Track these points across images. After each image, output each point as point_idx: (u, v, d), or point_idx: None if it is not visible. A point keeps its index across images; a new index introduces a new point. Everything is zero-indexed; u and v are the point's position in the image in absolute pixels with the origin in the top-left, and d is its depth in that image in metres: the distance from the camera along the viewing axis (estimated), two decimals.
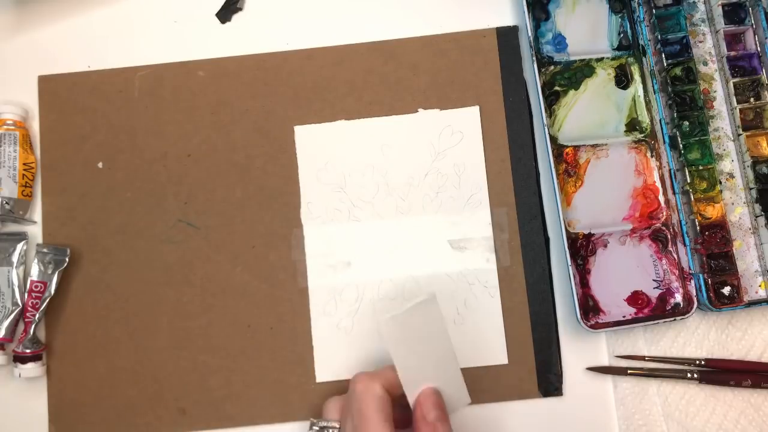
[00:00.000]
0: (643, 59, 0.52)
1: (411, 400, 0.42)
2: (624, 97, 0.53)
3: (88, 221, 0.52)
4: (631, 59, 0.53)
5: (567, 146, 0.52)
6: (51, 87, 0.53)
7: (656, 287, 0.50)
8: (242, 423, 0.50)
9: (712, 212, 0.50)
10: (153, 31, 0.54)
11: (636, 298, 0.50)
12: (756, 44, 0.52)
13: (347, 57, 0.53)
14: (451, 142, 0.52)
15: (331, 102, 0.53)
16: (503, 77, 0.53)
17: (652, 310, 0.50)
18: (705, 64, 0.53)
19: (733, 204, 0.51)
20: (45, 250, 0.50)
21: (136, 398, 0.50)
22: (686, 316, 0.49)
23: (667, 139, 0.51)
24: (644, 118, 0.52)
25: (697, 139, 0.51)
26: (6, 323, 0.49)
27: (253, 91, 0.53)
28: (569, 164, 0.52)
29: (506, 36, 0.53)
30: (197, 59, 0.54)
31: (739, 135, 0.51)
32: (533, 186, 0.52)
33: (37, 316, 0.49)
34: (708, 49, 0.53)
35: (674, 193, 0.51)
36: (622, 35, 0.53)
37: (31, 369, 0.49)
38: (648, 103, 0.52)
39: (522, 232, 0.51)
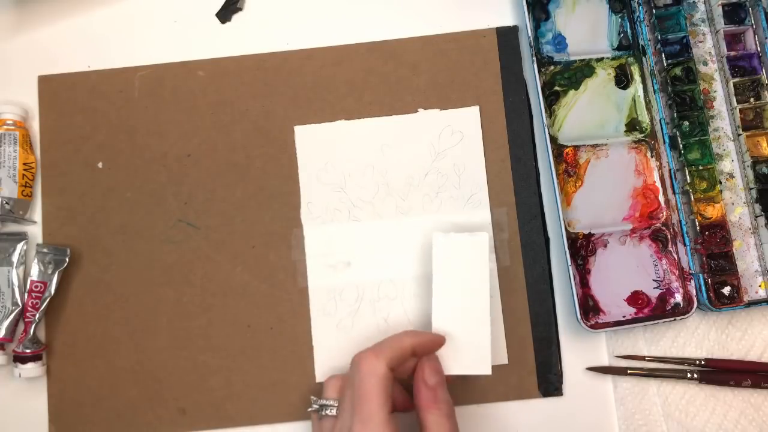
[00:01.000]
0: (643, 59, 0.52)
1: (433, 330, 0.45)
2: (624, 97, 0.53)
3: (88, 221, 0.52)
4: (631, 59, 0.53)
5: (567, 146, 0.52)
6: (51, 87, 0.53)
7: (656, 287, 0.50)
8: (242, 423, 0.50)
9: (712, 212, 0.50)
10: (153, 31, 0.54)
11: (636, 298, 0.50)
12: (756, 44, 0.52)
13: (347, 57, 0.53)
14: (451, 142, 0.52)
15: (331, 102, 0.53)
16: (503, 77, 0.53)
17: (652, 310, 0.50)
18: (705, 64, 0.53)
19: (733, 204, 0.51)
20: (45, 250, 0.50)
21: (136, 398, 0.50)
22: (686, 316, 0.49)
23: (667, 139, 0.51)
24: (644, 118, 0.52)
25: (697, 139, 0.51)
26: (6, 323, 0.49)
27: (253, 91, 0.53)
28: (569, 164, 0.52)
29: (506, 36, 0.53)
30: (197, 59, 0.54)
31: (739, 135, 0.51)
32: (533, 186, 0.52)
33: (37, 316, 0.49)
34: (708, 49, 0.53)
35: (674, 193, 0.51)
36: (622, 35, 0.54)
37: (31, 369, 0.49)
38: (648, 103, 0.52)
39: (522, 232, 0.51)
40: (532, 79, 0.52)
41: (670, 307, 0.50)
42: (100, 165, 0.53)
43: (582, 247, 0.51)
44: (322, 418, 0.43)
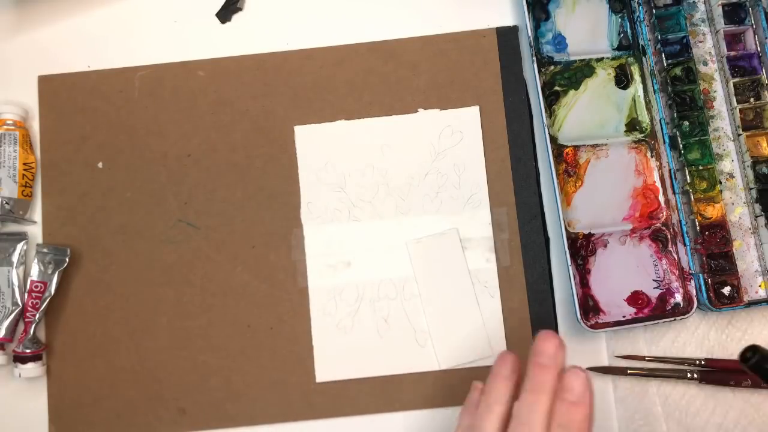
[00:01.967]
0: (643, 59, 0.52)
1: (429, 330, 0.48)
2: (624, 97, 0.53)
3: (88, 221, 0.52)
4: (631, 59, 0.53)
5: (567, 146, 0.52)
6: (51, 87, 0.53)
7: (656, 287, 0.50)
8: (242, 423, 0.50)
9: (712, 212, 0.50)
10: (153, 31, 0.54)
11: (636, 298, 0.50)
12: (756, 44, 0.52)
13: (347, 57, 0.53)
14: (451, 142, 0.52)
15: (331, 102, 0.53)
16: (503, 77, 0.53)
17: (652, 310, 0.50)
18: (705, 64, 0.53)
19: (733, 204, 0.51)
20: (45, 250, 0.50)
21: (136, 398, 0.50)
22: (686, 316, 0.49)
23: (667, 139, 0.51)
24: (644, 118, 0.52)
25: (697, 139, 0.51)
26: (6, 323, 0.49)
27: (253, 91, 0.53)
28: (569, 164, 0.52)
29: (506, 36, 0.53)
30: (197, 59, 0.54)
31: (739, 135, 0.51)
32: (533, 186, 0.52)
33: (37, 316, 0.49)
34: (708, 49, 0.53)
35: (674, 193, 0.51)
36: (622, 35, 0.53)
37: (31, 369, 0.49)
38: (648, 103, 0.52)
39: (522, 232, 0.51)
40: (532, 79, 0.52)
41: (670, 307, 0.50)
42: (100, 165, 0.53)
43: (582, 247, 0.51)
44: None
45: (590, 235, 0.51)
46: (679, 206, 0.50)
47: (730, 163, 0.52)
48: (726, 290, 0.49)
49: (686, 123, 0.51)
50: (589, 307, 0.50)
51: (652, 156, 0.52)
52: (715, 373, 0.49)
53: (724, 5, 0.52)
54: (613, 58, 0.53)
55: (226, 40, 0.54)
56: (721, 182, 0.51)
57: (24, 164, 0.51)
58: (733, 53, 0.52)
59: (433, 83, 0.53)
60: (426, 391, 0.50)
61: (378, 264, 0.51)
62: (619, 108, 0.53)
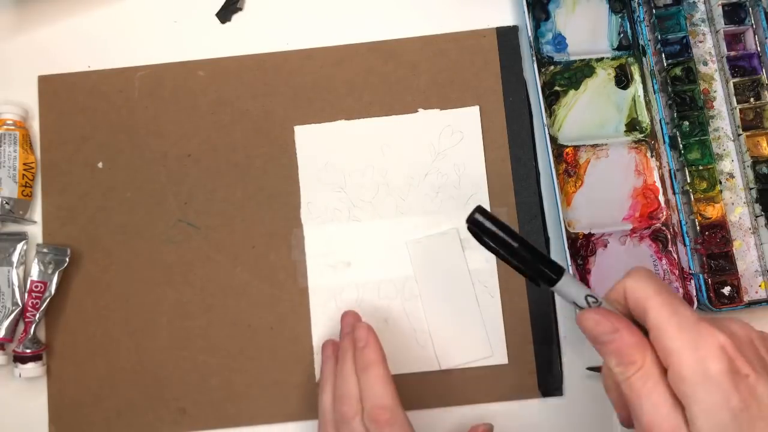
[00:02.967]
0: (643, 59, 0.52)
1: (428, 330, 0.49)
2: (624, 97, 0.53)
3: (88, 221, 0.52)
4: (631, 59, 0.53)
5: (567, 146, 0.52)
6: (51, 87, 0.53)
7: None
8: (242, 423, 0.50)
9: (712, 212, 0.50)
10: (153, 31, 0.54)
11: None
12: (756, 44, 0.52)
13: (347, 57, 0.53)
14: (451, 142, 0.52)
15: (331, 102, 0.53)
16: (503, 77, 0.53)
17: None
18: (705, 64, 0.53)
19: (733, 204, 0.51)
20: (45, 250, 0.50)
21: (136, 398, 0.50)
22: None
23: (667, 139, 0.51)
24: (644, 118, 0.52)
25: (697, 139, 0.51)
26: (6, 323, 0.49)
27: (253, 91, 0.53)
28: (569, 164, 0.52)
29: (506, 36, 0.53)
30: (197, 59, 0.54)
31: (739, 135, 0.51)
32: (533, 186, 0.52)
33: (37, 316, 0.49)
34: (708, 49, 0.53)
35: (674, 193, 0.51)
36: (622, 35, 0.53)
37: (31, 369, 0.49)
38: (648, 103, 0.52)
39: (522, 232, 0.51)
40: (532, 79, 0.52)
41: None
42: (100, 165, 0.53)
43: (582, 247, 0.51)
44: None
45: (590, 235, 0.51)
46: (679, 206, 0.50)
47: (730, 163, 0.52)
48: (726, 290, 0.49)
49: (686, 123, 0.51)
50: None
51: (652, 156, 0.52)
52: None
53: (724, 5, 0.52)
54: (613, 58, 0.53)
55: (226, 40, 0.54)
56: (721, 182, 0.51)
57: (24, 164, 0.51)
58: (733, 53, 0.52)
59: (433, 83, 0.53)
60: (426, 391, 0.50)
61: (378, 264, 0.51)
62: (619, 108, 0.53)
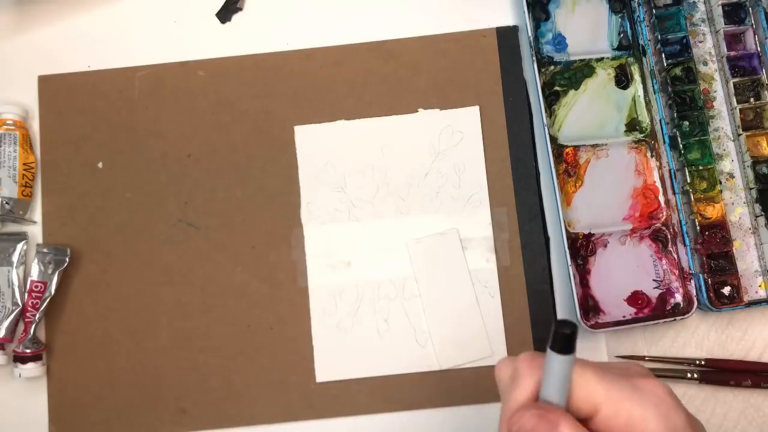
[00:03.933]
0: (643, 59, 0.52)
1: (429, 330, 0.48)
2: (624, 97, 0.53)
3: (88, 221, 0.52)
4: (631, 59, 0.53)
5: (567, 146, 0.52)
6: (51, 87, 0.53)
7: (656, 287, 0.50)
8: (242, 423, 0.50)
9: (712, 212, 0.50)
10: (153, 31, 0.54)
11: (636, 298, 0.50)
12: (756, 44, 0.52)
13: (347, 57, 0.53)
14: (451, 142, 0.52)
15: (331, 102, 0.53)
16: (503, 77, 0.53)
17: (652, 310, 0.50)
18: (705, 64, 0.53)
19: (733, 204, 0.51)
20: (45, 250, 0.50)
21: (136, 398, 0.50)
22: (686, 316, 0.49)
23: (667, 139, 0.51)
24: (644, 118, 0.52)
25: (697, 139, 0.51)
26: (6, 323, 0.49)
27: (253, 91, 0.53)
28: (569, 164, 0.52)
29: (506, 36, 0.53)
30: (197, 59, 0.54)
31: (739, 135, 0.51)
32: (533, 186, 0.52)
33: (37, 316, 0.49)
34: (708, 49, 0.53)
35: (674, 193, 0.51)
36: (622, 35, 0.53)
37: (31, 369, 0.49)
38: (648, 103, 0.52)
39: (522, 232, 0.51)
40: (532, 79, 0.52)
41: (670, 307, 0.50)
42: (100, 165, 0.53)
43: (582, 247, 0.51)
44: None
45: (590, 235, 0.51)
46: (679, 206, 0.50)
47: (730, 163, 0.52)
48: (726, 290, 0.49)
49: (686, 123, 0.51)
50: (589, 307, 0.50)
51: (652, 156, 0.52)
52: (715, 373, 0.49)
53: (724, 5, 0.52)
54: (613, 58, 0.53)
55: (226, 40, 0.54)
56: (721, 182, 0.51)
57: (24, 164, 0.51)
58: (733, 53, 0.52)
59: (433, 83, 0.53)
60: (426, 391, 0.50)
61: (378, 264, 0.51)
62: (619, 108, 0.53)
